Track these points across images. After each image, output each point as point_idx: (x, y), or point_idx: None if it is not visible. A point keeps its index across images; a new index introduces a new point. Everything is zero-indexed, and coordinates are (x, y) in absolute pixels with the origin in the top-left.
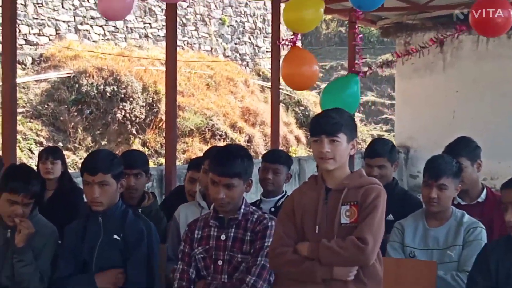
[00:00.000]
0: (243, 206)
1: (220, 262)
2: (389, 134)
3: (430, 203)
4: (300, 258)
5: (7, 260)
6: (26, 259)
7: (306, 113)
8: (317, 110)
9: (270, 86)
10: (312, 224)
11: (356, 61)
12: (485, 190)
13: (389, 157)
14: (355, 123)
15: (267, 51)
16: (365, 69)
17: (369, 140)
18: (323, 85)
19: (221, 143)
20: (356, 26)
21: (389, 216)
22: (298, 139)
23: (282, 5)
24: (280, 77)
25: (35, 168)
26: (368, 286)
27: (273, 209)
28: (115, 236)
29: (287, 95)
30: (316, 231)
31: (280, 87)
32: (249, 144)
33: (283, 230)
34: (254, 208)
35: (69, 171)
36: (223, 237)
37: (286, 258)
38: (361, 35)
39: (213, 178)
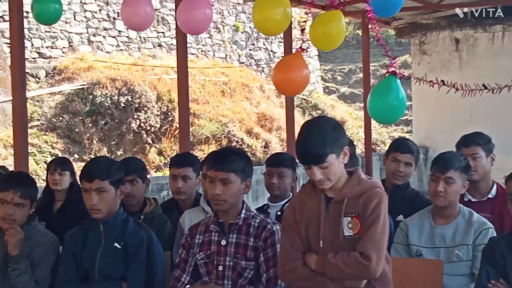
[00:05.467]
0: (243, 211)
1: (220, 268)
2: (410, 135)
3: (436, 196)
4: (311, 273)
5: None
6: (20, 267)
7: None
8: (334, 113)
9: None
10: (316, 237)
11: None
12: (495, 186)
13: (416, 156)
14: (338, 134)
15: (282, 56)
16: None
17: (389, 142)
18: (342, 89)
19: None
20: (375, 28)
21: (399, 216)
22: None
23: (293, 9)
24: None
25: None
26: None
27: (279, 213)
28: (115, 244)
29: (304, 99)
30: (321, 245)
31: None
32: (266, 149)
33: (289, 244)
34: (255, 212)
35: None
36: (223, 242)
37: (297, 274)
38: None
39: (210, 175)
